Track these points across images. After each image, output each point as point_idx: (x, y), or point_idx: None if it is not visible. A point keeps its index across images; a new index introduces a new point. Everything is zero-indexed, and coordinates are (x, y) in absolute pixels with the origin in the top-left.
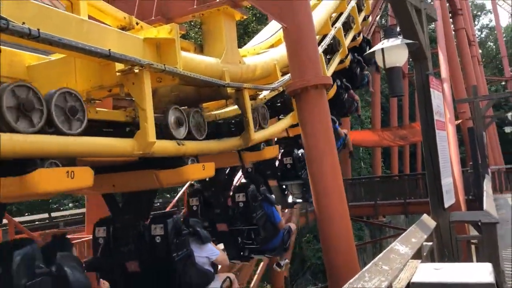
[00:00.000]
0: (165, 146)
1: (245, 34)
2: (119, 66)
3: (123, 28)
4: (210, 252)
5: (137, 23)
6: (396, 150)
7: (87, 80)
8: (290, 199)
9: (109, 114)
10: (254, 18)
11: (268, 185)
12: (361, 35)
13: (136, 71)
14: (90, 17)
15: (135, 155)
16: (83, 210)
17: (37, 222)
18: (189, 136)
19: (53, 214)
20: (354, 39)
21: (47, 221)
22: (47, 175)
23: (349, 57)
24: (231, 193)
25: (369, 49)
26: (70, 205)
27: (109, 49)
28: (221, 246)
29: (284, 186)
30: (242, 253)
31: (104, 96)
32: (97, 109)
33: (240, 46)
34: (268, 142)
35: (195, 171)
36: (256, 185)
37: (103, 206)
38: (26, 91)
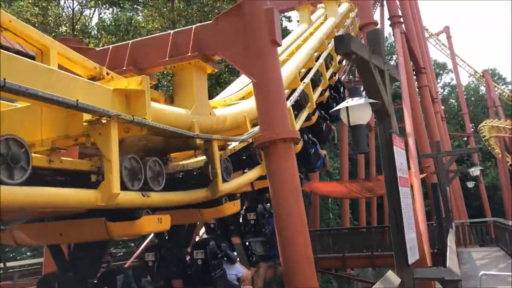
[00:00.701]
0: (130, 198)
1: (217, 84)
2: (87, 116)
3: (93, 78)
4: (238, 271)
5: (107, 73)
6: (363, 201)
7: (52, 129)
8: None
9: (73, 164)
10: (226, 70)
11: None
12: (337, 75)
13: (104, 121)
14: (60, 66)
15: (98, 207)
16: (42, 259)
17: None
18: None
19: (9, 264)
20: (331, 77)
21: (1, 271)
22: (148, 220)
23: (327, 93)
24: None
25: (343, 88)
26: (28, 253)
27: (77, 100)
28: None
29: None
30: (251, 259)
31: (70, 145)
32: (62, 158)
33: (212, 96)
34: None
35: (229, 207)
36: (262, 204)
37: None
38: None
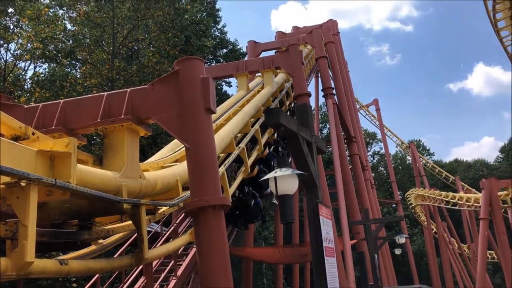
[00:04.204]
0: (46, 266)
1: (153, 144)
2: (5, 178)
3: (17, 138)
4: None
5: (33, 133)
6: (297, 266)
7: None
8: None
9: None
10: (164, 130)
11: None
12: (267, 149)
13: (23, 184)
14: None
15: (8, 277)
16: None
17: None
18: None
19: None
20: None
21: None
22: None
23: (256, 168)
24: None
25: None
26: None
27: None
28: None
29: None
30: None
31: None
32: None
33: (148, 156)
34: None
35: None
36: None
37: None
38: None
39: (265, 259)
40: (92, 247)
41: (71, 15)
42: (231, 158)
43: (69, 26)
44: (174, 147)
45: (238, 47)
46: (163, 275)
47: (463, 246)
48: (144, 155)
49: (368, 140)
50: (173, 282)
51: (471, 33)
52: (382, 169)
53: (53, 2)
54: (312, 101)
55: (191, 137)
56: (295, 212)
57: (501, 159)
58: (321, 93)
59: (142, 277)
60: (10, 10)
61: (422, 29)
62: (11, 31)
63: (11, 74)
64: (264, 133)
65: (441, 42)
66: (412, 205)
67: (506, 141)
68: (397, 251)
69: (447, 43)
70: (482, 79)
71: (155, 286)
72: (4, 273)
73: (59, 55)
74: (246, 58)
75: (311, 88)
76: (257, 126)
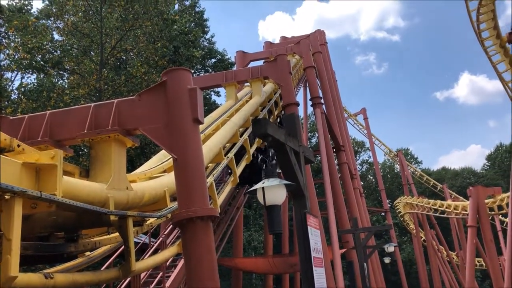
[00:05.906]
0: (30, 280)
1: (142, 154)
2: None
3: (2, 150)
4: None
5: (18, 145)
6: (287, 276)
7: None
8: None
9: None
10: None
11: None
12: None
13: (7, 197)
14: None
15: None
16: None
17: None
18: None
19: None
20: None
21: None
22: None
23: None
24: None
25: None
26: None
27: None
28: None
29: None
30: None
31: None
32: None
33: (137, 167)
34: None
35: None
36: None
37: None
38: None
39: (255, 269)
40: (79, 260)
41: (58, 25)
42: (219, 168)
43: (56, 37)
44: (162, 158)
45: (227, 57)
46: (151, 287)
47: (451, 254)
48: (133, 165)
49: (356, 148)
50: None
51: (456, 43)
52: (371, 177)
53: (42, 13)
54: (300, 110)
55: (178, 147)
56: (284, 221)
57: (488, 167)
58: (309, 103)
59: None
60: None
61: (408, 38)
62: None
63: None
64: (253, 142)
65: (427, 51)
66: (401, 214)
67: (492, 149)
68: (387, 260)
69: (433, 52)
70: (468, 88)
71: None
72: None
73: (47, 65)
74: (234, 68)
75: (299, 97)
76: (245, 136)
